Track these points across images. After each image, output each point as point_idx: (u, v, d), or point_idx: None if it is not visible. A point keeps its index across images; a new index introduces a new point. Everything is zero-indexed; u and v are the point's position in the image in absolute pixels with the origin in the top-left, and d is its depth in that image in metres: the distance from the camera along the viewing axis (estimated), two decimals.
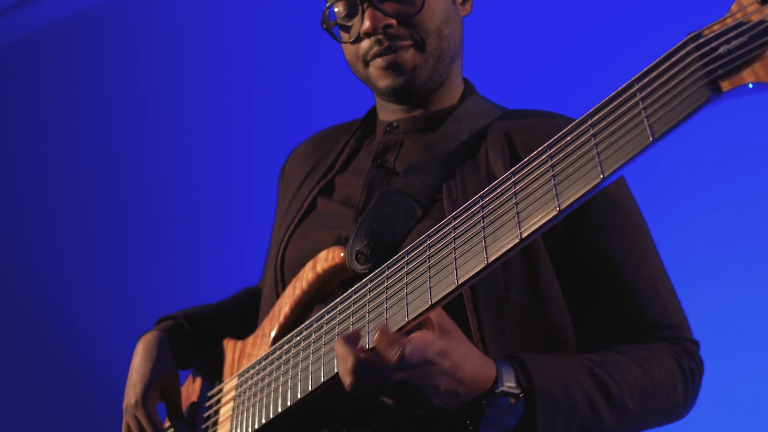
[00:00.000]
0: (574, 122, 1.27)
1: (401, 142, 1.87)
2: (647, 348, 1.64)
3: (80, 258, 4.27)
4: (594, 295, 1.69)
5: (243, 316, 2.13)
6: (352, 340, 1.43)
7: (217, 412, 1.90)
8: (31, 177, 4.31)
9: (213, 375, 2.02)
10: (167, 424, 2.02)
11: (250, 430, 1.74)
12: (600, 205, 1.68)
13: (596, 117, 1.24)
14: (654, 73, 1.17)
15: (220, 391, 1.92)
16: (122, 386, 2.00)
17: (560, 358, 1.53)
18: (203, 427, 1.94)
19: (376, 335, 1.39)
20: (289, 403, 1.64)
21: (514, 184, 1.32)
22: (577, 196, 1.23)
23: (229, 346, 1.98)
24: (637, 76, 1.20)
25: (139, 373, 1.93)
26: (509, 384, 1.43)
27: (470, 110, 1.83)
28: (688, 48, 1.13)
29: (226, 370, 1.95)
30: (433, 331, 1.42)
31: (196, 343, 2.05)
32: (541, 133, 1.70)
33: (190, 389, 2.09)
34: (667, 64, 1.16)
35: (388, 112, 1.92)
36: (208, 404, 1.97)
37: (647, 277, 1.69)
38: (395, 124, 1.90)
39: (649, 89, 1.17)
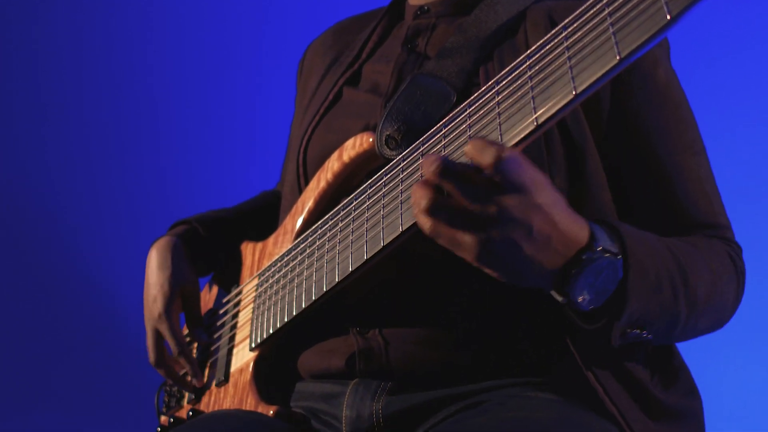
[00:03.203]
0: None
1: (433, 26, 1.74)
2: (706, 241, 1.52)
3: (82, 176, 4.16)
4: (639, 188, 1.57)
5: (262, 219, 2.02)
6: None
7: (235, 316, 1.80)
8: (35, 105, 4.20)
9: (231, 281, 1.91)
10: (185, 331, 1.92)
11: (271, 331, 1.63)
12: (650, 94, 1.56)
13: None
14: None
15: (239, 293, 1.82)
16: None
17: (641, 230, 1.37)
18: (221, 333, 1.84)
19: (467, 145, 1.18)
20: (314, 298, 1.53)
21: (566, 38, 1.20)
22: (639, 42, 1.10)
23: (248, 249, 1.87)
24: None
25: (157, 285, 1.83)
26: (605, 243, 1.26)
27: None
28: None
29: (245, 273, 1.84)
30: None
31: (213, 248, 1.94)
32: None
33: (207, 297, 1.98)
34: None
35: None
36: (223, 310, 1.86)
37: (694, 171, 1.56)
38: (426, 8, 1.77)
39: None
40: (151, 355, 1.85)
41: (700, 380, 1.59)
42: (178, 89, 4.13)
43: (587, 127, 1.52)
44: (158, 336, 1.83)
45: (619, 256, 1.27)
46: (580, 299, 1.25)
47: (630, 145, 1.55)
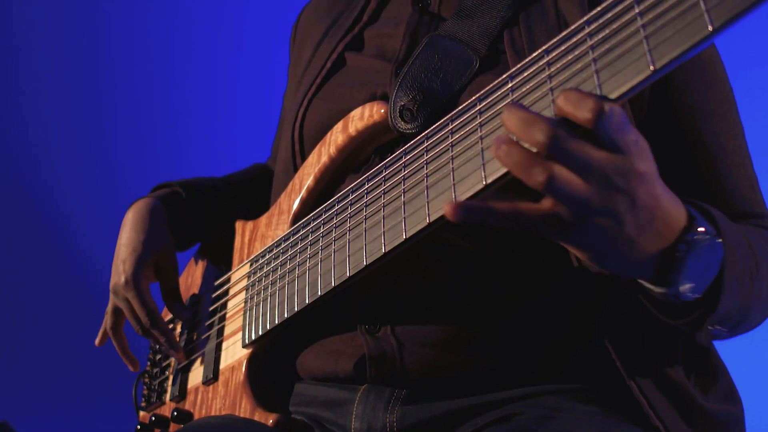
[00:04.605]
0: None
1: None
2: (758, 231, 1.35)
3: (59, 126, 3.93)
4: (681, 171, 1.38)
5: (254, 193, 1.83)
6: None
7: (224, 307, 1.60)
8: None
9: (218, 262, 1.71)
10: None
11: (267, 327, 1.44)
12: (695, 69, 1.37)
13: None
14: None
15: (228, 280, 1.62)
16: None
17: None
18: (207, 324, 1.64)
19: (559, 98, 0.98)
20: (320, 293, 1.34)
21: (638, 1, 1.00)
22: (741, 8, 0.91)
23: (238, 228, 1.67)
24: None
25: (129, 247, 1.63)
26: (705, 224, 1.08)
27: None
28: None
29: (235, 256, 1.64)
30: None
31: (195, 217, 1.75)
32: None
33: (189, 280, 1.78)
34: None
35: None
36: (210, 297, 1.66)
37: (737, 155, 1.39)
38: None
39: None
40: (108, 320, 1.67)
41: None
42: (163, 65, 3.91)
43: (627, 105, 1.34)
44: (127, 305, 1.63)
45: (719, 239, 1.09)
46: (683, 288, 1.07)
47: (672, 123, 1.37)
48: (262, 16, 3.68)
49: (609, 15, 1.02)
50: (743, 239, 1.18)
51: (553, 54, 1.08)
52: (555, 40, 1.08)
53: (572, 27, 1.06)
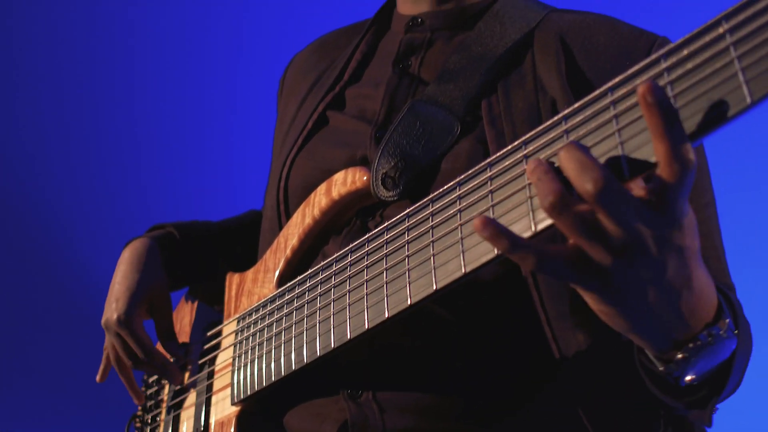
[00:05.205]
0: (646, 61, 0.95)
1: (429, 42, 1.54)
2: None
3: (61, 154, 3.93)
4: None
5: (248, 239, 1.84)
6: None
7: (213, 361, 1.62)
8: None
9: (208, 300, 1.75)
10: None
11: (256, 388, 1.46)
12: None
13: (675, 59, 0.93)
14: None
15: (217, 334, 1.63)
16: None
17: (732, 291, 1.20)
18: (197, 377, 1.65)
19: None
20: (306, 361, 1.35)
21: (614, 104, 1.01)
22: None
23: (227, 279, 1.68)
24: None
25: (123, 285, 1.65)
26: (729, 319, 1.05)
27: (513, 5, 1.51)
28: None
29: (224, 308, 1.66)
30: None
31: (189, 260, 1.77)
32: (603, 38, 1.40)
33: (179, 327, 1.80)
34: None
35: (411, 3, 1.59)
36: (204, 348, 1.68)
37: (705, 225, 1.37)
38: (420, 20, 1.57)
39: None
40: (109, 355, 1.67)
41: None
42: (168, 93, 3.92)
43: None
44: (121, 342, 1.65)
45: (736, 332, 1.07)
46: (688, 378, 1.05)
47: None
48: (263, 33, 3.68)
49: (589, 112, 1.03)
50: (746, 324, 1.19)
51: (531, 147, 1.08)
52: (534, 132, 1.08)
53: (551, 120, 1.06)
